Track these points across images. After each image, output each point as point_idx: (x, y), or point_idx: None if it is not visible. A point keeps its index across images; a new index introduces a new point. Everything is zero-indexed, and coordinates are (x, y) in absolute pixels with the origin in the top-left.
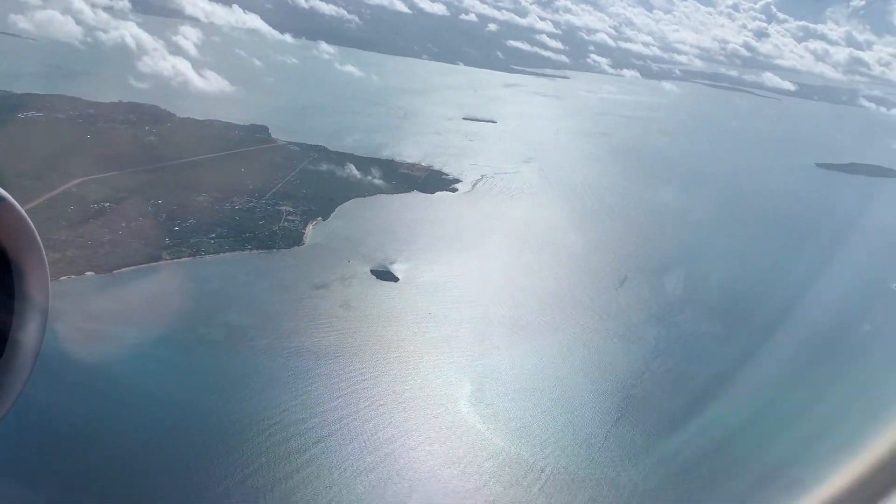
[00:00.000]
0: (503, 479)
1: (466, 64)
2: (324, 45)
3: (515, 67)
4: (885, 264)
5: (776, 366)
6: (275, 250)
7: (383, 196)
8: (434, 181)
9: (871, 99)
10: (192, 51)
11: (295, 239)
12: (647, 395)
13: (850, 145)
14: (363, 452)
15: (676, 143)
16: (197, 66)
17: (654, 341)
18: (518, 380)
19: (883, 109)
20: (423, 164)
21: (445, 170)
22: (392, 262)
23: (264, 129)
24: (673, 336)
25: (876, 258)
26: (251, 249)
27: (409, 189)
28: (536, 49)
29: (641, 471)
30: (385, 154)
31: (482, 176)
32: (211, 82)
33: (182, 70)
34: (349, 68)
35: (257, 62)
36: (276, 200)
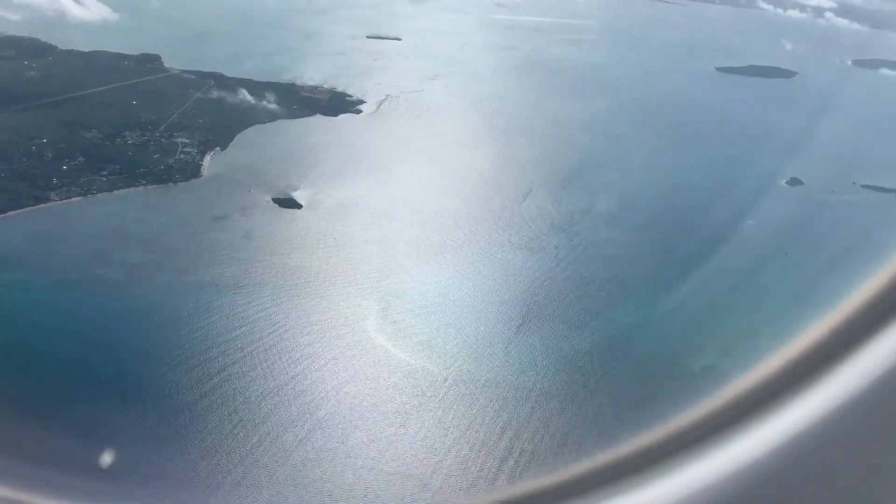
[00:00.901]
0: (407, 390)
1: None
2: None
3: None
4: (777, 162)
5: (669, 265)
6: (171, 184)
7: (284, 122)
8: (337, 104)
9: (768, 1)
10: None
11: (192, 171)
12: (548, 302)
13: (748, 48)
14: (267, 377)
15: (582, 54)
16: None
17: (555, 250)
18: (423, 297)
19: (780, 11)
20: (325, 86)
21: (349, 91)
22: (295, 189)
23: (156, 57)
24: (573, 244)
25: (769, 157)
26: (146, 185)
27: (311, 113)
28: None
29: (540, 372)
30: (286, 78)
31: (387, 96)
32: (91, 10)
33: None
34: None
35: None
36: (172, 132)
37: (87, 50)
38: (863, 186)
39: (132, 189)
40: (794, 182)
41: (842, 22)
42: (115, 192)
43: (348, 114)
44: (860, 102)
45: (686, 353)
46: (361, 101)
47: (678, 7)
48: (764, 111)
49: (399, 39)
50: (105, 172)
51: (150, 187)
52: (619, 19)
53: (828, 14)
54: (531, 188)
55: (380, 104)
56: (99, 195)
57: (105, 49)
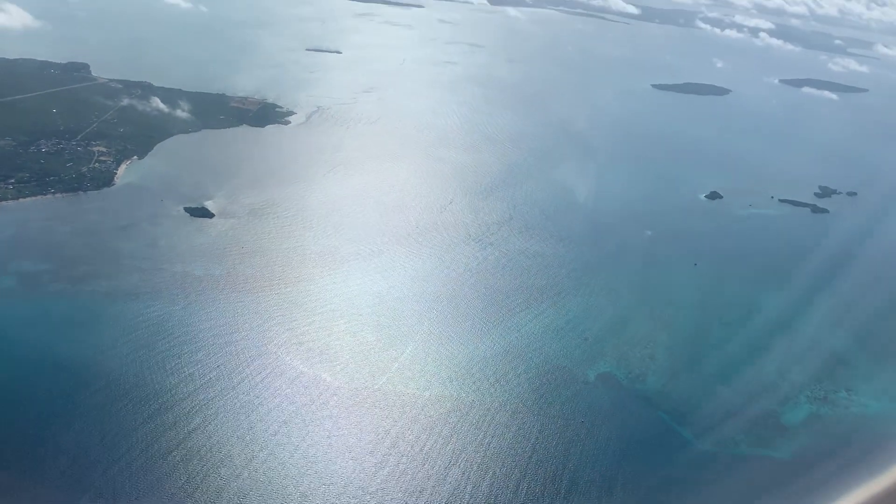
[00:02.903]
0: (294, 398)
1: None
2: None
3: None
4: (699, 177)
5: (577, 275)
6: (81, 193)
7: (209, 131)
8: (266, 115)
9: (707, 21)
10: None
11: (105, 180)
12: (451, 311)
13: (684, 66)
14: (146, 385)
15: (521, 70)
16: None
17: (465, 260)
18: (325, 306)
19: (717, 31)
20: (255, 97)
21: (280, 103)
22: (208, 199)
23: (84, 66)
24: (485, 255)
25: (692, 172)
26: (55, 193)
27: (237, 123)
28: None
29: (431, 379)
30: (215, 88)
31: (318, 107)
32: (13, 17)
33: None
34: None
35: None
36: (89, 141)
37: (12, 57)
38: (780, 200)
39: (39, 197)
40: (713, 196)
41: (776, 42)
42: (21, 199)
43: (276, 124)
44: (783, 119)
45: (583, 361)
46: (291, 113)
47: (619, 25)
48: (693, 127)
49: (339, 52)
50: (13, 180)
51: (58, 195)
52: (559, 36)
53: (762, 34)
54: (451, 199)
55: (309, 116)
56: (3, 203)
57: (32, 57)
